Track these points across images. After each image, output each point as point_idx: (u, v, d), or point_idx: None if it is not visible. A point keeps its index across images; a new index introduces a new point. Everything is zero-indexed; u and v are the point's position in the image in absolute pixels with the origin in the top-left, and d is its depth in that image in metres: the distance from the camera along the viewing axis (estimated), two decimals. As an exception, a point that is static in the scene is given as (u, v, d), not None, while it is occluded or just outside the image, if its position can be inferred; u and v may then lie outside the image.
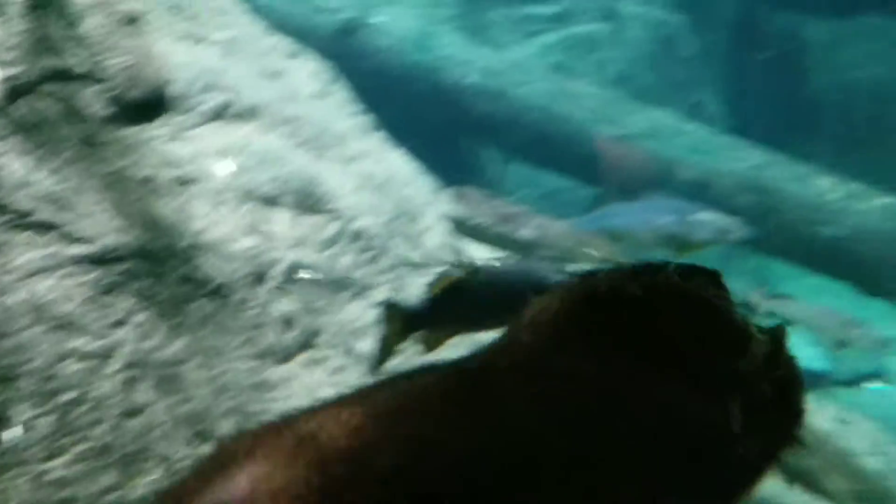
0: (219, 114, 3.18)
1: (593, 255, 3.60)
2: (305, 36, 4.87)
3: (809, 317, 4.59)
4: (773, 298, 4.58)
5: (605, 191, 5.00)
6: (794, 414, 0.90)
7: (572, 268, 3.16)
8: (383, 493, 0.86)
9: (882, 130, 7.07)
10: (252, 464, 0.93)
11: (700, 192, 5.50)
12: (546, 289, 1.00)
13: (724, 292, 0.92)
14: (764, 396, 0.88)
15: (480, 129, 6.06)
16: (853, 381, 5.90)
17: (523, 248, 3.76)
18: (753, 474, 0.90)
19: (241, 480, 0.92)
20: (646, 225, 3.86)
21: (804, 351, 6.59)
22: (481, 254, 3.61)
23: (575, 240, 3.69)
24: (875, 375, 5.85)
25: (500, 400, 0.92)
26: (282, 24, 4.46)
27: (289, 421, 0.95)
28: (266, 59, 3.68)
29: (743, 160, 5.64)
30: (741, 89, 7.10)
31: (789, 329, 0.95)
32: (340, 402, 0.96)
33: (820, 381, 5.80)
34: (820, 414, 3.57)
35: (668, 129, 5.88)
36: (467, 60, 6.16)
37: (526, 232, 3.86)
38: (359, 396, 0.96)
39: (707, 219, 4.02)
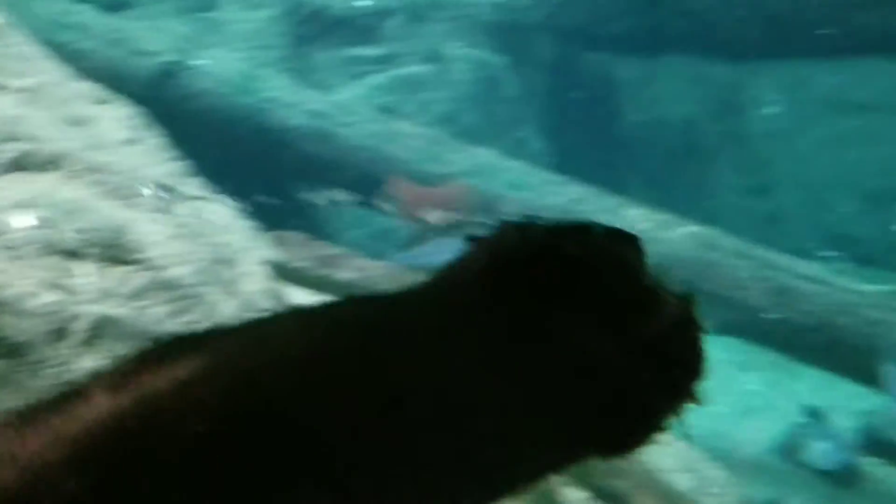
0: (18, 164, 3.06)
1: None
2: (122, 81, 4.76)
3: None
4: None
5: (426, 228, 5.09)
6: (696, 372, 0.98)
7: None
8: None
9: (688, 163, 7.53)
10: (208, 353, 0.95)
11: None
12: None
13: (643, 255, 0.99)
14: (672, 355, 0.97)
15: (308, 170, 6.07)
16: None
17: (343, 289, 3.79)
18: (656, 427, 0.99)
19: (196, 366, 0.94)
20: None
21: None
22: (302, 298, 3.61)
23: (392, 279, 3.75)
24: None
25: (419, 339, 0.95)
26: (96, 70, 4.35)
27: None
28: (71, 106, 3.58)
29: (561, 195, 5.89)
30: (561, 127, 7.41)
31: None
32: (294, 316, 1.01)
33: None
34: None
35: (490, 167, 6.07)
36: (293, 102, 6.17)
37: (345, 274, 3.89)
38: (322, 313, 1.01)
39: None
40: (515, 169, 6.07)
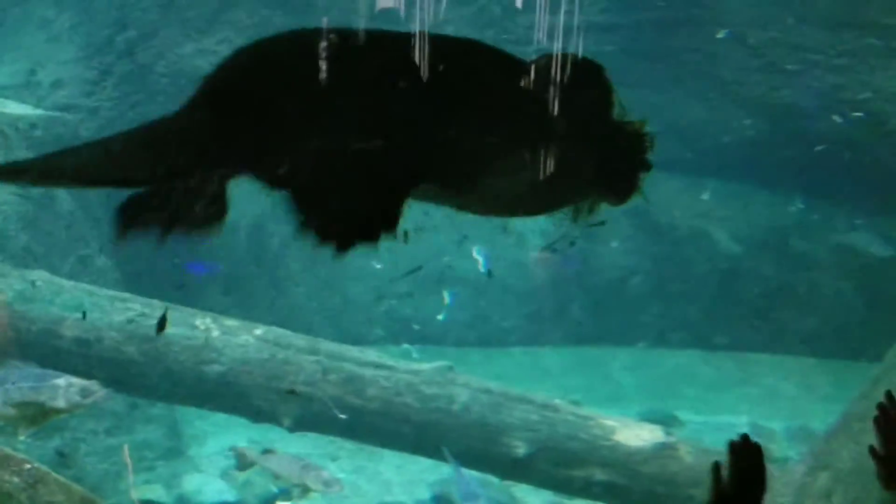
0: None
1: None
2: None
3: (280, 465, 5.32)
4: (264, 453, 5.42)
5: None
6: (648, 161, 1.76)
7: None
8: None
9: (259, 266, 7.34)
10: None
11: (88, 348, 5.43)
12: None
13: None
14: (639, 145, 1.76)
15: None
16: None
17: None
18: (636, 184, 1.76)
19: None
20: (1, 396, 3.91)
21: (214, 486, 6.20)
22: None
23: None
24: (283, 495, 5.72)
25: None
26: None
27: None
28: None
29: (129, 311, 5.82)
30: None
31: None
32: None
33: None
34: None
35: (46, 290, 5.70)
36: None
37: None
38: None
39: (65, 384, 4.14)
40: (76, 289, 5.76)
